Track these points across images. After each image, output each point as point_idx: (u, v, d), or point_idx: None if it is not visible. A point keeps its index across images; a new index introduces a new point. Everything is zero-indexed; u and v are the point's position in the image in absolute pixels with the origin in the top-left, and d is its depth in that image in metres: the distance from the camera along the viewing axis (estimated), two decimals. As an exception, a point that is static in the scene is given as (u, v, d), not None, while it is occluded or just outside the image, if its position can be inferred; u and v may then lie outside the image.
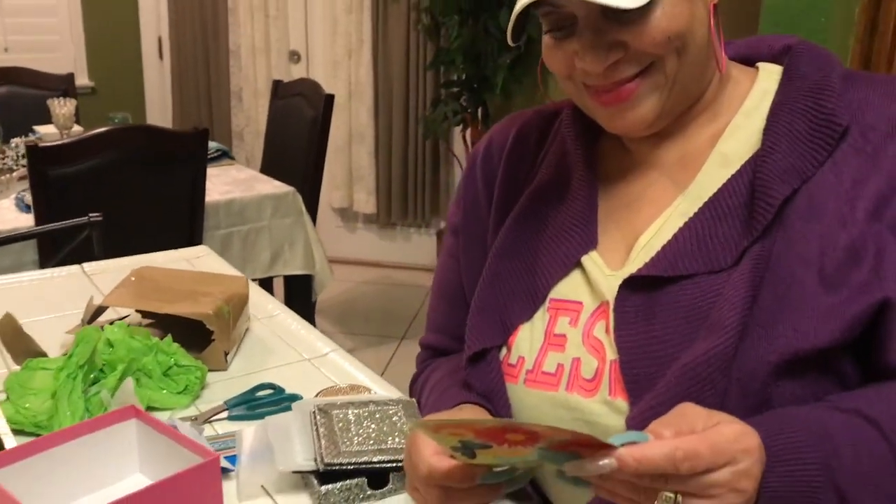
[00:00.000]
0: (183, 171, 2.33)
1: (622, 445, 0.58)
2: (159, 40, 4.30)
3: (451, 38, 3.47)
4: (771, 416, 0.67)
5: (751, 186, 0.75)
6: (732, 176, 0.77)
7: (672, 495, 0.59)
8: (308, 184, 2.98)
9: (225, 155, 3.03)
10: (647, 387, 0.73)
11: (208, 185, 2.46)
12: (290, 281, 2.85)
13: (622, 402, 0.75)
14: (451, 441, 0.62)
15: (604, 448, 0.59)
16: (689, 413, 0.62)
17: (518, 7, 0.73)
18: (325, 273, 2.84)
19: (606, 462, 0.58)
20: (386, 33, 3.95)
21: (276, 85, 3.34)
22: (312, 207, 3.01)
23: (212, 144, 2.89)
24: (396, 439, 0.85)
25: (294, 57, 4.19)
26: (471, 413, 0.81)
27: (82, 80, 4.03)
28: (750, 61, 0.85)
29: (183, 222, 2.36)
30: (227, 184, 2.69)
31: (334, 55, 4.09)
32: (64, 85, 3.49)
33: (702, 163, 0.80)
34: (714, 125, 0.82)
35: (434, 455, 0.69)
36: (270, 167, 3.18)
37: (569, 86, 0.81)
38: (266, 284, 2.86)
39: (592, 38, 0.74)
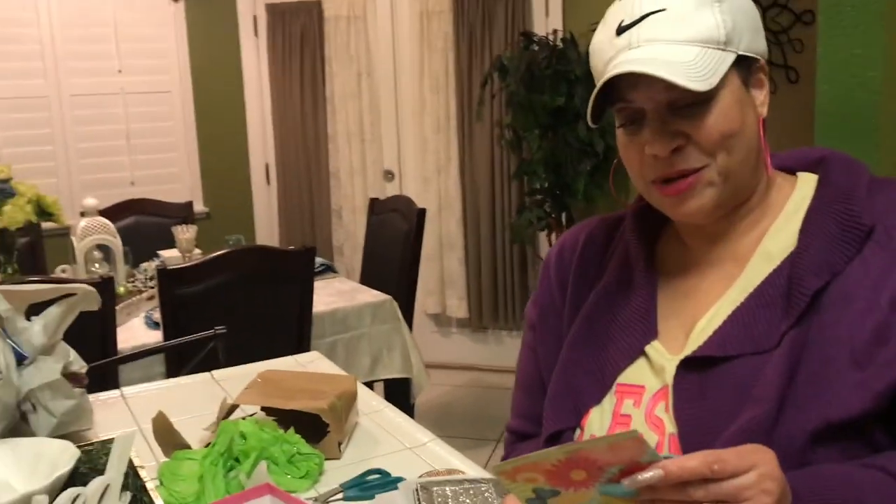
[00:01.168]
0: (292, 285, 2.56)
1: (666, 457, 0.71)
2: (266, 167, 4.69)
3: (532, 151, 3.69)
4: (800, 470, 0.77)
5: (789, 279, 0.87)
6: (773, 270, 0.89)
7: None
8: (403, 292, 3.18)
9: (329, 269, 3.28)
10: None
11: (314, 297, 2.68)
12: (389, 385, 3.01)
13: None
14: (525, 492, 0.74)
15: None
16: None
17: (594, 94, 0.88)
18: (422, 377, 2.99)
19: (654, 473, 0.69)
20: (472, 149, 4.22)
21: (373, 202, 3.61)
22: (408, 314, 3.19)
23: (316, 260, 3.14)
24: (488, 511, 0.98)
25: (388, 176, 4.50)
26: None
27: (198, 206, 4.42)
28: (791, 170, 0.99)
29: (292, 331, 2.57)
30: (331, 295, 2.91)
31: (425, 172, 4.38)
32: (184, 212, 3.85)
33: (749, 258, 0.93)
34: (760, 226, 0.94)
35: None
36: (369, 278, 3.40)
37: (639, 183, 0.94)
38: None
39: (659, 126, 0.88)
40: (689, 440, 0.86)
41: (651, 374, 0.93)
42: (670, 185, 0.89)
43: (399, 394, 2.99)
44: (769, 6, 3.24)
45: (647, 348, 0.95)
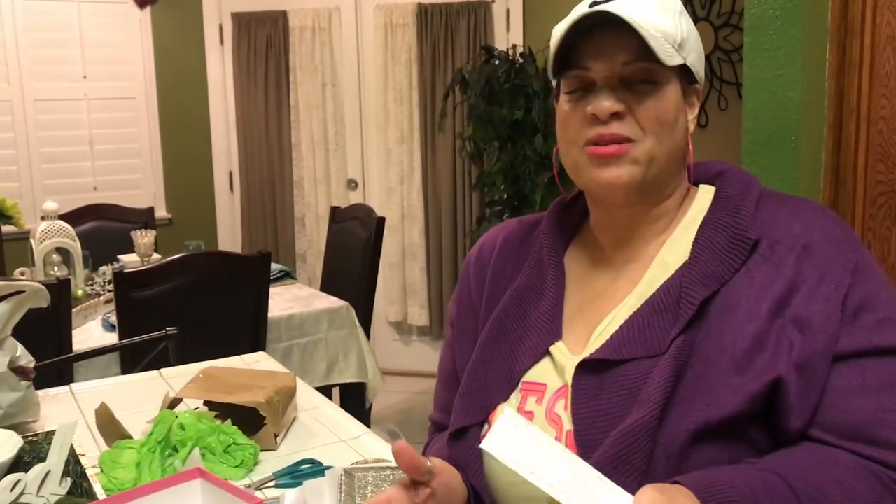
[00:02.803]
0: (248, 289, 2.61)
1: None
2: (230, 174, 4.73)
3: (492, 162, 3.78)
4: (705, 478, 0.81)
5: (680, 288, 0.93)
6: (667, 279, 0.95)
7: None
8: (363, 298, 3.24)
9: (287, 275, 3.33)
10: (594, 451, 0.89)
11: (272, 302, 2.73)
12: (345, 389, 3.06)
13: None
14: None
15: None
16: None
17: (565, 25, 0.92)
18: (376, 381, 3.04)
19: None
20: (434, 160, 4.30)
21: (334, 211, 3.67)
22: (367, 320, 3.24)
23: (275, 266, 3.19)
24: (406, 496, 1.04)
25: (352, 185, 4.56)
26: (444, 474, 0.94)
27: (161, 212, 4.45)
28: (694, 182, 1.05)
29: (248, 335, 2.62)
30: (288, 301, 2.96)
31: (388, 182, 4.45)
32: (145, 218, 3.88)
33: (649, 265, 0.98)
34: (663, 236, 1.00)
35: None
36: (329, 285, 3.45)
37: (573, 150, 0.96)
38: (325, 395, 3.06)
39: (607, 92, 0.93)
40: (583, 437, 0.91)
41: (553, 373, 0.98)
42: (602, 148, 0.94)
43: (354, 398, 3.04)
44: (721, 25, 3.36)
45: (552, 348, 0.99)
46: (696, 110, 1.00)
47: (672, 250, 0.98)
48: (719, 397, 0.85)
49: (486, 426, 1.00)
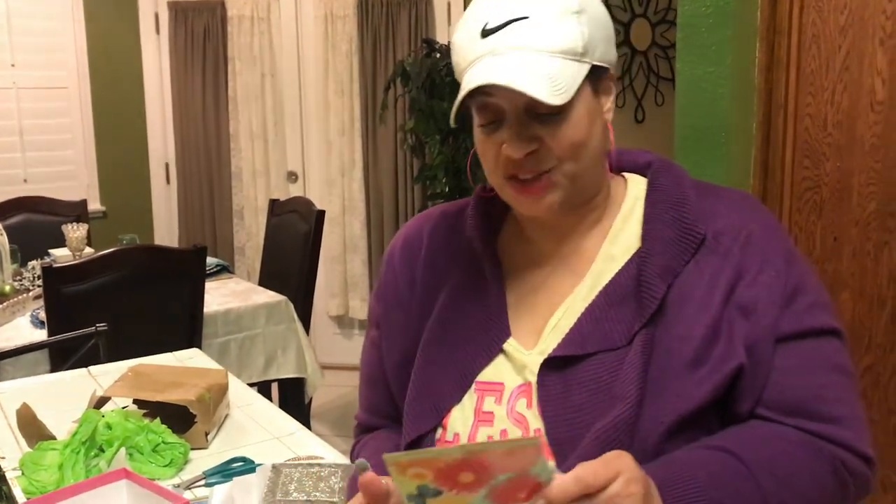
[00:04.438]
0: (183, 284, 2.56)
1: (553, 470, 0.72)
2: (166, 166, 4.63)
3: (433, 156, 3.78)
4: (656, 462, 0.84)
5: (636, 280, 0.93)
6: (619, 270, 0.95)
7: None
8: (302, 292, 3.21)
9: (225, 269, 3.28)
10: (570, 448, 0.88)
11: (208, 297, 2.68)
12: (284, 384, 3.03)
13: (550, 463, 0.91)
14: (409, 488, 0.72)
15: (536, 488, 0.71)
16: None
17: (460, 96, 0.89)
18: (316, 376, 3.02)
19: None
20: (376, 153, 4.28)
21: (273, 203, 3.62)
22: (306, 314, 3.21)
23: (212, 260, 3.14)
24: (324, 494, 1.03)
25: (292, 177, 4.50)
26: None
27: (94, 205, 4.33)
28: (618, 171, 1.04)
29: (183, 331, 2.57)
30: (225, 295, 2.92)
31: (329, 174, 4.41)
32: (77, 211, 3.77)
33: (594, 257, 0.98)
34: (601, 226, 1.00)
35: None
36: (268, 279, 3.41)
37: (494, 178, 0.97)
38: (265, 390, 3.03)
39: (517, 129, 0.91)
40: (557, 435, 0.90)
41: (511, 371, 0.96)
42: (524, 186, 0.93)
43: (294, 393, 3.01)
44: (658, 22, 3.42)
45: (506, 346, 0.98)
46: (613, 95, 0.98)
47: (616, 242, 0.98)
48: (686, 389, 0.87)
49: (440, 430, 0.97)
